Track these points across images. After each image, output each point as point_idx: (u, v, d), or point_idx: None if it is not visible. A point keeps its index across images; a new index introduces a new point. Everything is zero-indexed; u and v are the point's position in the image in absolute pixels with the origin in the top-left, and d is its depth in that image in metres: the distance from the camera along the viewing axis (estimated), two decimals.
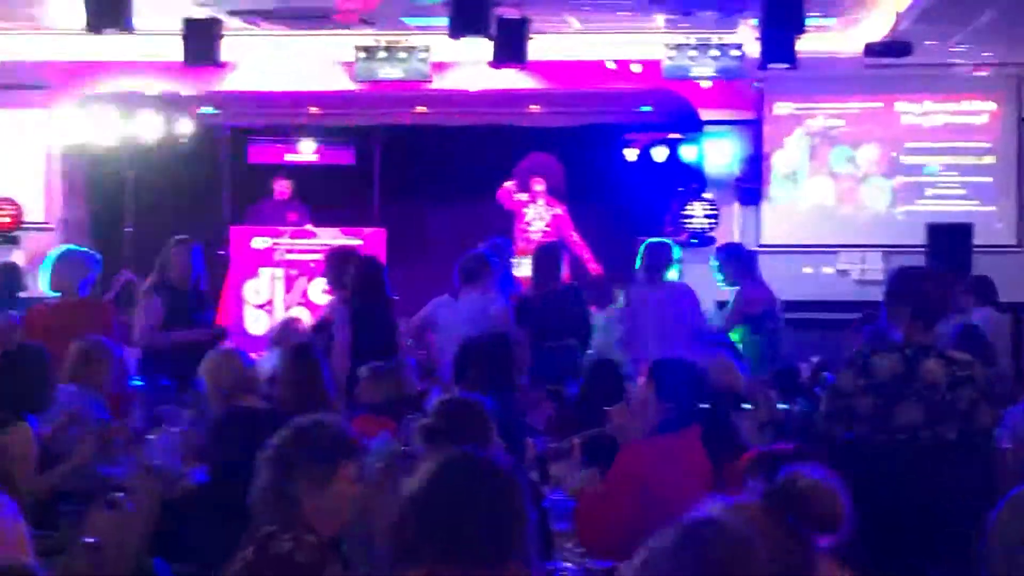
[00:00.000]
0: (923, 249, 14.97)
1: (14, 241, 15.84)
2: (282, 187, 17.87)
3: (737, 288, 11.33)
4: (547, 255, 11.29)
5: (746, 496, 3.87)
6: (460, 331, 9.79)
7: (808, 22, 11.44)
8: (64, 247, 10.47)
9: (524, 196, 15.56)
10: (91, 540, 5.30)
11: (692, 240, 15.20)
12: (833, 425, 6.48)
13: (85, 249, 10.65)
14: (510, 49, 11.96)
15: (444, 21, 11.38)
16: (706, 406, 5.68)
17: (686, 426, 5.51)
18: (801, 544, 3.42)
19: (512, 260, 12.83)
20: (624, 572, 3.05)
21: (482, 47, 12.04)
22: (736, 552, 3.07)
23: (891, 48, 11.95)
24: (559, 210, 15.69)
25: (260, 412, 7.65)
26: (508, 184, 16.09)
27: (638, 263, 11.25)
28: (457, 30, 10.46)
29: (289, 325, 11.68)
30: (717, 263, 11.56)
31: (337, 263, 10.96)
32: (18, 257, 15.26)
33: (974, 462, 6.60)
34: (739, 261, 11.57)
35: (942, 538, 6.22)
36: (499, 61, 12.40)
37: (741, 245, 12.50)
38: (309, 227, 16.65)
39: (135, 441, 8.06)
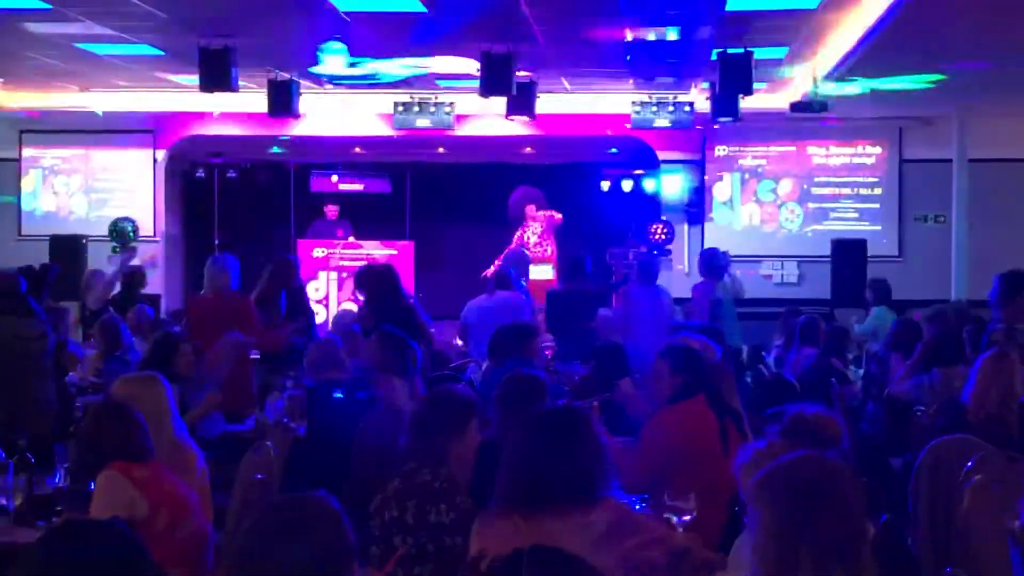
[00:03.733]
0: (828, 259, 15.10)
1: (132, 250, 15.84)
2: (331, 210, 17.94)
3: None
4: (574, 261, 11.41)
5: (766, 439, 4.04)
6: (493, 321, 9.91)
7: None
8: (216, 254, 10.39)
9: (518, 232, 15.59)
10: (260, 476, 5.38)
11: (653, 252, 15.29)
12: None
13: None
14: (522, 105, 12.05)
15: (468, 83, 11.46)
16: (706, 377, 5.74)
17: (695, 395, 5.54)
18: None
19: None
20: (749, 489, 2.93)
21: (496, 102, 12.11)
22: (833, 471, 2.97)
23: (812, 105, 12.06)
24: (543, 216, 15.64)
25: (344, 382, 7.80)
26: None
27: (638, 269, 11.40)
28: (487, 90, 10.52)
29: (342, 315, 11.87)
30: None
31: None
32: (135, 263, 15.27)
33: None
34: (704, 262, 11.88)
35: None
36: (513, 113, 12.50)
37: (715, 250, 12.55)
38: (351, 239, 16.75)
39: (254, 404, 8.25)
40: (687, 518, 4.33)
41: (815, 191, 16.21)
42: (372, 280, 10.03)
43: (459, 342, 10.89)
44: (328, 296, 16.23)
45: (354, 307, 14.95)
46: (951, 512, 5.60)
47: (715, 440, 5.14)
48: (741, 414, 5.71)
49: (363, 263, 15.43)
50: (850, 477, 2.92)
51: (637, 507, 4.49)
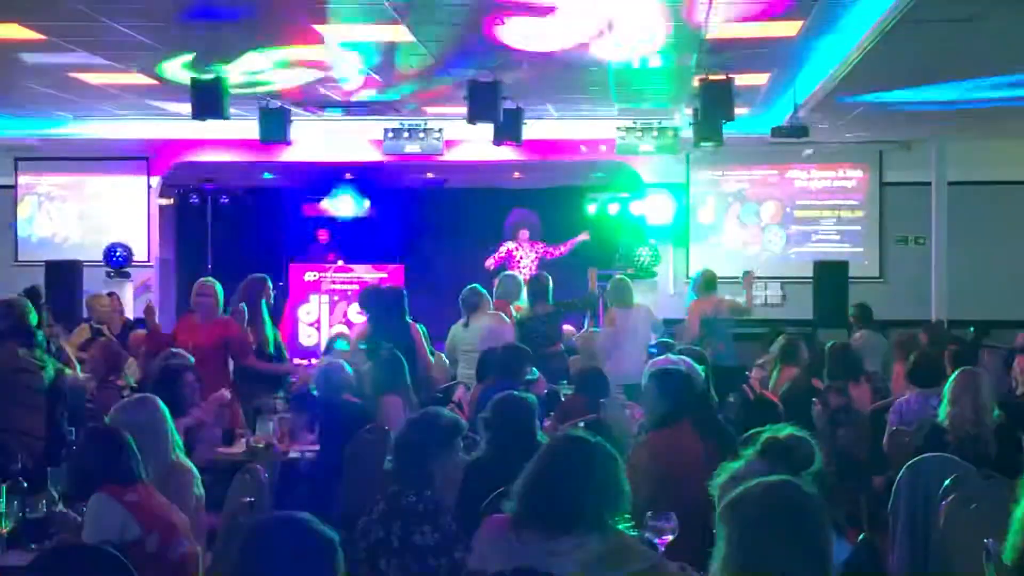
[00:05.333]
0: (811, 281, 15.13)
1: (127, 276, 15.88)
2: (322, 234, 18.00)
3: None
4: (537, 284, 11.36)
5: (743, 460, 4.05)
6: (475, 346, 9.93)
7: None
8: (203, 278, 10.36)
9: (513, 244, 15.62)
10: (249, 499, 5.38)
11: (640, 273, 15.32)
12: None
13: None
14: (509, 132, 12.03)
15: (457, 109, 11.46)
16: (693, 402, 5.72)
17: (680, 420, 5.50)
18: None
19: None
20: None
21: (484, 128, 12.11)
22: (800, 496, 3.00)
23: (793, 131, 12.09)
24: (539, 247, 15.72)
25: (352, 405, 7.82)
26: (496, 254, 15.88)
27: (612, 291, 11.39)
28: (473, 117, 10.53)
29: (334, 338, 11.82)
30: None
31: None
32: (128, 288, 15.30)
33: None
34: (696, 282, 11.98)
35: None
36: (499, 140, 12.50)
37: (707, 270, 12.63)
38: (340, 263, 16.76)
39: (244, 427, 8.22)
40: (668, 537, 4.36)
41: (797, 214, 16.25)
42: (375, 300, 10.14)
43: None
44: (320, 319, 16.24)
45: (345, 329, 14.98)
46: (929, 531, 5.61)
47: (698, 464, 5.13)
48: (732, 436, 5.69)
49: (355, 286, 15.57)
50: (816, 502, 2.95)
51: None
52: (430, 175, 17.50)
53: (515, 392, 5.71)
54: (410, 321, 9.87)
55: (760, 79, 11.34)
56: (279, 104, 12.44)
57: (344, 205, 18.35)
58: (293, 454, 7.73)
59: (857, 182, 16.21)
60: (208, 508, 5.69)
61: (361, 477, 5.53)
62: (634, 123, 14.21)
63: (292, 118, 12.74)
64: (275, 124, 12.48)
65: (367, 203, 18.48)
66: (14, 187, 16.65)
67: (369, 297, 10.60)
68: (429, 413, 4.79)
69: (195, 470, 5.64)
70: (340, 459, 6.74)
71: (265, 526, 2.91)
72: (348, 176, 17.90)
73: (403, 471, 4.46)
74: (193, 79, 10.72)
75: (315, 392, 8.20)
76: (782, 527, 2.86)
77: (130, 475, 4.83)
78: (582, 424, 7.26)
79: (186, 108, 11.21)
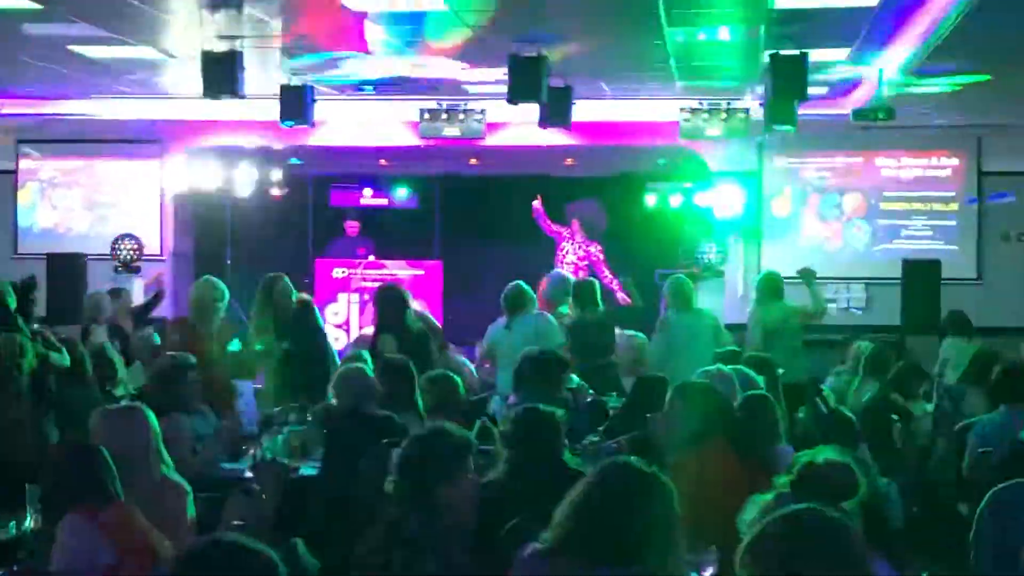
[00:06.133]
0: (898, 282, 14.97)
1: (136, 271, 15.93)
2: (352, 226, 18.01)
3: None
4: (585, 288, 11.32)
5: (776, 494, 3.95)
6: (516, 351, 9.85)
7: None
8: (204, 277, 10.48)
9: (567, 231, 15.57)
10: (238, 523, 5.32)
11: (705, 273, 15.21)
12: None
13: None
14: (557, 113, 11.97)
15: (499, 88, 11.43)
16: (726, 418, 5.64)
17: (712, 438, 5.45)
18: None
19: None
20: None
21: (530, 110, 12.07)
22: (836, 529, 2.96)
23: (878, 113, 11.94)
24: (594, 248, 15.65)
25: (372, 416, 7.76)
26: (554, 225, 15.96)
27: (668, 293, 11.32)
28: (515, 96, 10.48)
29: (364, 342, 11.71)
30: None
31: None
32: (138, 285, 15.34)
33: None
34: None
35: None
36: (546, 123, 12.43)
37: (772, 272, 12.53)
38: (372, 258, 16.77)
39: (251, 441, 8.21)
40: (708, 573, 4.28)
41: (884, 206, 16.10)
42: (377, 300, 10.18)
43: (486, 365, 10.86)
44: (348, 321, 16.25)
45: None
46: (1014, 565, 5.48)
47: (737, 488, 5.03)
48: (775, 457, 5.60)
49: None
50: (850, 534, 2.88)
51: None
52: (473, 161, 17.44)
53: (540, 405, 5.63)
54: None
55: (839, 54, 11.21)
56: (302, 81, 12.41)
57: (400, 197, 18.48)
58: (306, 471, 7.70)
59: (952, 171, 16.03)
60: (205, 533, 5.66)
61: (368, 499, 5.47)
62: (700, 104, 14.08)
63: (316, 97, 12.72)
64: (297, 103, 12.46)
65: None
66: (15, 172, 16.78)
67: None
68: (436, 429, 4.72)
69: (188, 488, 5.60)
70: (351, 477, 6.68)
71: (196, 551, 2.91)
72: (382, 162, 17.89)
73: (405, 494, 4.40)
74: (204, 52, 10.69)
75: (332, 400, 8.17)
76: (813, 563, 2.77)
77: (105, 494, 4.81)
78: (624, 440, 7.22)
79: (199, 86, 11.22)
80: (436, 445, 4.57)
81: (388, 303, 10.01)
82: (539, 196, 15.89)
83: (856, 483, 3.89)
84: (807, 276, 12.13)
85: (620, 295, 14.88)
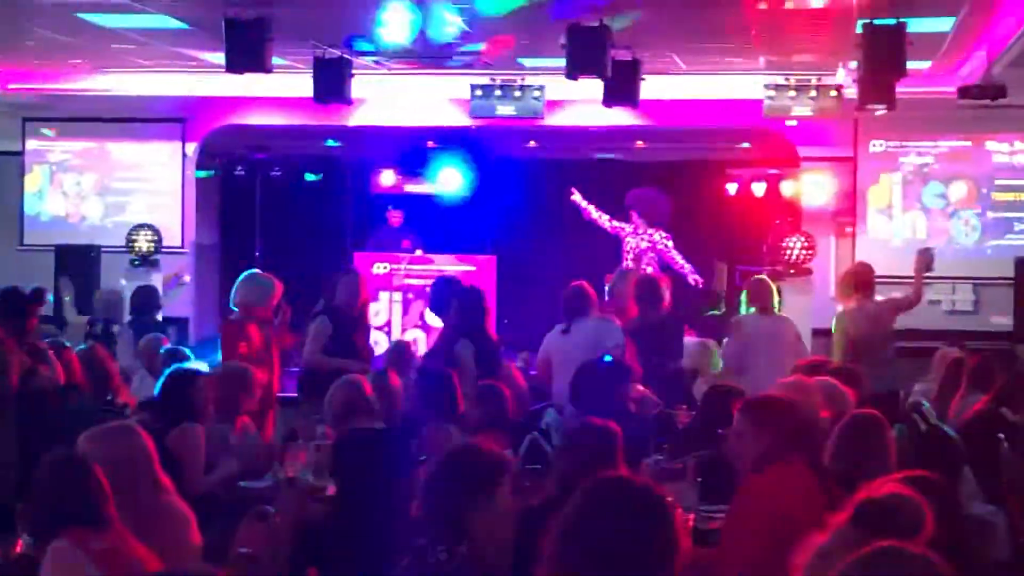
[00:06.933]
0: (1011, 282, 14.78)
1: (154, 264, 15.95)
2: (394, 216, 17.99)
3: None
4: (648, 286, 11.23)
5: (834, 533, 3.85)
6: (575, 359, 9.78)
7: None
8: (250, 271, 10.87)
9: (628, 227, 15.45)
10: (245, 551, 5.31)
11: (790, 271, 15.08)
12: None
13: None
14: (622, 90, 11.92)
15: (557, 62, 11.40)
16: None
17: (787, 456, 5.38)
18: None
19: None
20: None
21: (593, 86, 12.03)
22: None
23: (986, 90, 11.81)
24: (659, 235, 15.46)
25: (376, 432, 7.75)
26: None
27: (748, 293, 11.25)
28: (574, 70, 10.42)
29: (400, 348, 11.65)
30: None
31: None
32: (156, 279, 15.38)
33: None
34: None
35: None
36: (611, 101, 12.38)
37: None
38: (419, 252, 16.73)
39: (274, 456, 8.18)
40: None
41: (996, 197, 15.93)
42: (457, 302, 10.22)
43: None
44: (390, 322, 16.23)
45: (421, 335, 14.97)
46: None
47: (820, 515, 4.94)
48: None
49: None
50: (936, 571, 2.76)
51: None
52: (531, 143, 17.41)
53: (592, 420, 5.56)
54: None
55: (943, 24, 11.07)
56: (338, 54, 12.39)
57: (448, 182, 18.33)
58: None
59: None
60: (215, 560, 5.64)
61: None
62: (786, 79, 13.99)
63: (355, 72, 12.70)
64: (333, 78, 12.45)
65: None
66: (21, 154, 16.87)
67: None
68: (464, 449, 4.65)
69: (186, 514, 5.58)
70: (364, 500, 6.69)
71: None
72: (429, 144, 17.88)
73: (432, 521, 4.34)
74: (228, 19, 10.67)
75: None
76: None
77: (99, 517, 4.78)
78: (692, 461, 7.13)
79: (222, 59, 11.23)
80: (466, 465, 4.52)
81: (471, 308, 10.13)
82: (574, 189, 15.61)
83: (922, 520, 3.77)
84: (925, 260, 11.92)
85: (692, 277, 14.72)
